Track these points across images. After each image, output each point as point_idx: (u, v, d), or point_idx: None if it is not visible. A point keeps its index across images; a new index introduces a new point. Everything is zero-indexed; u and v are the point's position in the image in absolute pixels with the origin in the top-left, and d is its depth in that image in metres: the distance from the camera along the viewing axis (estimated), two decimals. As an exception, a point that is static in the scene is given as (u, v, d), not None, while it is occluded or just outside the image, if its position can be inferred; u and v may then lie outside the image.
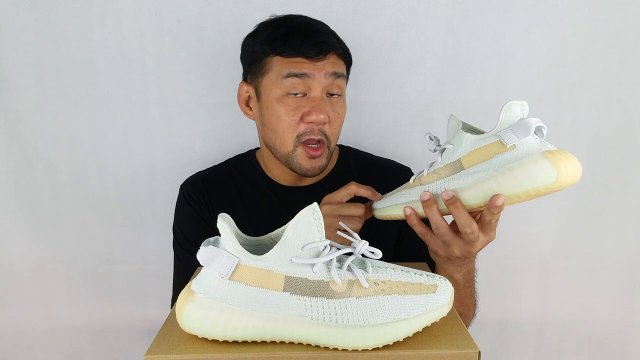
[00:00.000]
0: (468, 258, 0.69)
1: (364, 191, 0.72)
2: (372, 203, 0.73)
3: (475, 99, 1.02)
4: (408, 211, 0.65)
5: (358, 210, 0.72)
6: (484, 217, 0.61)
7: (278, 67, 0.78)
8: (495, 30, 0.99)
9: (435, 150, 0.65)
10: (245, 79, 0.86)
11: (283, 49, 0.77)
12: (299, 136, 0.79)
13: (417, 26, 0.99)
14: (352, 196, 0.73)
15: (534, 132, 0.57)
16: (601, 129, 1.03)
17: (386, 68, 1.01)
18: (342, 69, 0.82)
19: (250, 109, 0.87)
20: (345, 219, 0.71)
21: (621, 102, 1.02)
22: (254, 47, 0.81)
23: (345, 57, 0.83)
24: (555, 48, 1.00)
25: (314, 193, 0.78)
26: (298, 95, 0.79)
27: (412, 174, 0.69)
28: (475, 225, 0.61)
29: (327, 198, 0.74)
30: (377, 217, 0.73)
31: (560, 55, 1.00)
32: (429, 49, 1.00)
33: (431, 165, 0.66)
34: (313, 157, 0.81)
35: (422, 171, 0.67)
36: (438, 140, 0.65)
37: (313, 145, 0.80)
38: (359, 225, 0.72)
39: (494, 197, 0.57)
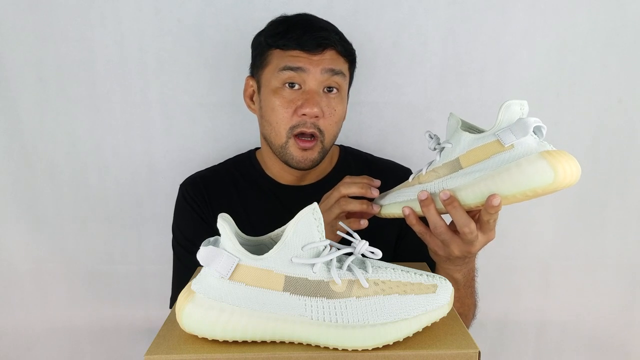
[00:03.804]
0: (468, 258, 0.68)
1: (355, 190, 0.70)
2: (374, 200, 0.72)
3: (475, 99, 1.02)
4: (407, 211, 0.65)
5: (356, 206, 0.70)
6: (481, 217, 0.61)
7: (276, 59, 0.80)
8: (495, 30, 0.99)
9: (434, 149, 0.65)
10: (251, 73, 0.88)
11: (282, 41, 0.79)
12: (291, 128, 0.79)
13: (417, 26, 0.99)
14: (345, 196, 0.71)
15: (533, 132, 0.56)
16: (601, 129, 1.03)
17: (386, 68, 1.01)
18: (340, 66, 0.81)
19: (254, 103, 0.87)
20: (341, 218, 0.71)
21: (621, 102, 1.02)
22: (259, 41, 0.83)
23: (347, 55, 0.83)
24: (555, 48, 1.00)
25: (313, 193, 0.78)
26: (295, 88, 0.79)
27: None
28: (473, 225, 0.61)
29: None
30: (376, 215, 0.72)
31: (560, 55, 1.00)
32: (429, 49, 1.00)
33: (430, 164, 0.65)
34: (305, 149, 0.80)
35: (421, 170, 0.66)
36: (438, 139, 0.65)
37: (305, 138, 0.80)
38: (356, 224, 0.70)
39: (490, 197, 0.56)
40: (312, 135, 0.80)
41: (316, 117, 0.78)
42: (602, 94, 1.02)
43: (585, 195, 1.06)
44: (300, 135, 0.80)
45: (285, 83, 0.79)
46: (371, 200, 0.72)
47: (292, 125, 0.79)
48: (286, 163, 0.83)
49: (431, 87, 1.02)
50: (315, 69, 0.78)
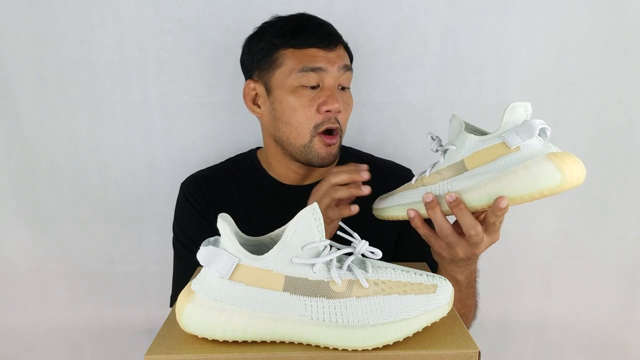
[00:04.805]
0: (471, 259, 0.69)
1: (344, 177, 0.69)
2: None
3: (475, 99, 1.02)
4: (412, 214, 0.65)
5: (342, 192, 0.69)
6: (487, 219, 0.61)
7: (291, 60, 0.79)
8: (495, 30, 0.99)
9: (437, 151, 0.64)
10: (250, 77, 0.86)
11: (295, 41, 0.79)
12: (316, 126, 0.80)
13: (417, 26, 0.99)
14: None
15: (538, 134, 0.56)
16: (601, 129, 1.03)
17: (386, 68, 1.01)
18: (349, 62, 0.84)
19: (258, 107, 0.86)
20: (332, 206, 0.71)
21: (621, 102, 1.02)
22: (261, 44, 0.82)
23: (349, 50, 0.86)
24: (555, 48, 1.00)
25: None
26: (312, 87, 0.80)
27: (414, 176, 0.68)
28: (479, 227, 0.61)
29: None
30: (378, 217, 0.72)
31: (560, 55, 1.00)
32: (429, 49, 1.00)
33: (433, 165, 0.65)
34: (329, 145, 0.81)
35: (425, 171, 0.66)
36: (440, 141, 0.65)
37: (330, 134, 0.81)
38: (345, 211, 0.70)
39: (498, 200, 0.57)
40: (334, 130, 0.81)
41: (339, 112, 0.80)
42: (602, 94, 1.02)
43: (585, 195, 1.06)
44: (325, 132, 0.80)
45: (304, 85, 0.79)
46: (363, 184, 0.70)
47: (316, 124, 0.80)
48: (309, 162, 0.83)
49: (431, 87, 1.02)
50: (333, 67, 0.79)
